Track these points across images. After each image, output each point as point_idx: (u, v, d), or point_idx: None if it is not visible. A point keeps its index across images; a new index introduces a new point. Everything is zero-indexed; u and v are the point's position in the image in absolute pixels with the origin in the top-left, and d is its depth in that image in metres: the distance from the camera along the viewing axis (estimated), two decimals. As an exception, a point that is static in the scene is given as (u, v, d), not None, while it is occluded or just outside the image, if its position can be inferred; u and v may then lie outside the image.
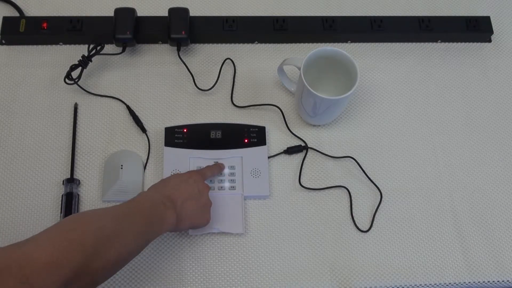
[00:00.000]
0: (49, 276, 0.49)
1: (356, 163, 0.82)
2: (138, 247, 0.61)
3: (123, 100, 0.84)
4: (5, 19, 0.87)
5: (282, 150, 0.82)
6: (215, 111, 0.85)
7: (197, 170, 0.75)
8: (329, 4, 0.95)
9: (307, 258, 0.76)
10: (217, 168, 0.78)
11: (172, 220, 0.65)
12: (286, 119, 0.85)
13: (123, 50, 0.86)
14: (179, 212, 0.66)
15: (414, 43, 0.93)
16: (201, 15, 0.90)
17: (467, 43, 0.94)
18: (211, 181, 0.78)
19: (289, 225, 0.78)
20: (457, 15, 0.94)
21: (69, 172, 0.79)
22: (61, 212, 0.75)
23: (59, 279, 0.50)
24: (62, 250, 0.51)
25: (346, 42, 0.92)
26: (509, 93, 0.90)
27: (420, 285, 0.75)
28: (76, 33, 0.86)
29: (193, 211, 0.68)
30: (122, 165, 0.78)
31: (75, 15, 0.88)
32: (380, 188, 0.81)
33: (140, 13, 0.88)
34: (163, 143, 0.80)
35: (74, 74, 0.83)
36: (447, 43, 0.94)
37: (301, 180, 0.81)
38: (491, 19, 0.93)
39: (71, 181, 0.77)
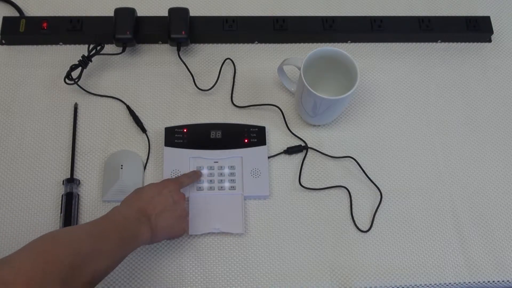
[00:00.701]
0: None
1: (356, 163, 0.82)
2: (113, 263, 0.60)
3: (123, 100, 0.84)
4: (5, 19, 0.87)
5: (282, 150, 0.82)
6: (215, 111, 0.85)
7: (173, 179, 0.74)
8: (329, 4, 0.95)
9: (307, 258, 0.76)
10: (195, 175, 0.77)
11: (147, 235, 0.64)
12: (286, 119, 0.84)
13: (123, 50, 0.86)
14: (154, 226, 0.65)
15: (414, 43, 0.93)
16: (201, 15, 0.90)
17: (467, 43, 0.94)
18: (211, 181, 0.78)
19: (289, 225, 0.78)
20: (457, 15, 0.94)
21: (69, 172, 0.79)
22: (61, 212, 0.75)
23: None
24: (39, 273, 0.50)
25: (346, 42, 0.92)
26: (509, 93, 0.90)
27: (420, 285, 0.75)
28: (76, 33, 0.86)
29: (168, 223, 0.67)
30: (122, 165, 0.78)
31: (75, 15, 0.88)
32: (380, 188, 0.81)
33: (140, 13, 0.88)
34: (163, 143, 0.80)
35: (74, 74, 0.83)
36: (447, 43, 0.94)
37: (301, 180, 0.81)
38: (491, 19, 0.93)
39: (71, 181, 0.77)
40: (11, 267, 0.50)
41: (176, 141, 0.80)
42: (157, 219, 0.66)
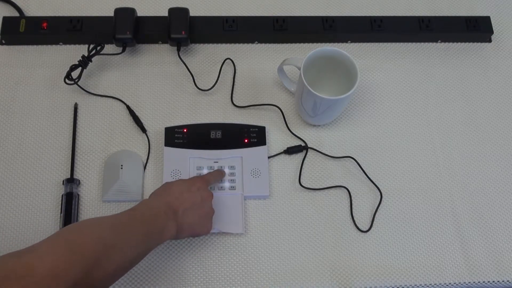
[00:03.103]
0: (48, 287, 0.49)
1: (356, 163, 0.82)
2: (137, 257, 0.61)
3: (123, 100, 0.84)
4: (5, 19, 0.87)
5: (282, 150, 0.82)
6: (215, 111, 0.85)
7: (201, 176, 0.74)
8: (329, 4, 0.95)
9: (307, 258, 0.76)
10: (220, 174, 0.77)
11: (173, 230, 0.64)
12: (286, 119, 0.85)
13: (123, 50, 0.86)
14: (180, 222, 0.65)
15: (414, 43, 0.93)
16: (201, 15, 0.90)
17: (467, 43, 0.94)
18: (211, 181, 0.79)
19: (289, 225, 0.78)
20: (457, 15, 0.94)
21: (69, 172, 0.79)
22: (61, 212, 0.75)
23: None
24: (62, 261, 0.51)
25: (346, 42, 0.92)
26: (509, 93, 0.90)
27: (420, 285, 0.75)
28: (76, 33, 0.86)
29: (194, 220, 0.67)
30: (122, 165, 0.78)
31: (75, 15, 0.88)
32: (380, 188, 0.81)
33: (140, 13, 0.88)
34: (163, 143, 0.80)
35: (74, 74, 0.83)
36: (447, 43, 0.94)
37: (301, 180, 0.81)
38: (491, 19, 0.93)
39: (71, 181, 0.77)
40: (35, 254, 0.51)
41: (176, 141, 0.80)
42: (184, 215, 0.66)
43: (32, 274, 0.48)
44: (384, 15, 0.92)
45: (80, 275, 0.51)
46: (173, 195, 0.67)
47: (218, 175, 0.77)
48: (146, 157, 0.81)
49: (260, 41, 0.91)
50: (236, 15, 0.90)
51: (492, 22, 0.93)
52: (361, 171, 0.82)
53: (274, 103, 0.85)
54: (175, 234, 0.65)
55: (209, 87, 0.86)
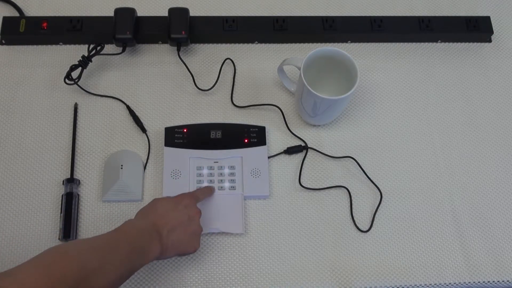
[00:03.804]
0: None
1: (356, 163, 0.82)
2: (121, 278, 0.59)
3: (123, 100, 0.84)
4: (5, 19, 0.87)
5: (282, 150, 0.82)
6: (215, 111, 0.85)
7: (189, 193, 0.73)
8: (329, 4, 0.95)
9: (307, 258, 0.76)
10: (209, 191, 0.77)
11: (157, 251, 0.63)
12: (286, 119, 0.84)
13: (123, 50, 0.86)
14: (165, 243, 0.64)
15: (414, 43, 0.93)
16: (201, 15, 0.90)
17: (467, 43, 0.94)
18: (211, 181, 0.78)
19: (289, 225, 0.78)
20: (457, 15, 0.94)
21: (69, 172, 0.79)
22: (61, 212, 0.75)
23: None
24: (41, 287, 0.49)
25: (346, 42, 0.92)
26: (509, 93, 0.90)
27: (420, 285, 0.75)
28: (76, 33, 0.86)
29: (180, 240, 0.66)
30: (122, 165, 0.78)
31: (75, 15, 0.88)
32: (380, 188, 0.81)
33: (140, 13, 0.88)
34: (163, 143, 0.80)
35: (74, 74, 0.83)
36: (447, 43, 0.94)
37: (301, 180, 0.81)
38: (491, 19, 0.93)
39: (71, 181, 0.77)
40: (14, 279, 0.49)
41: (176, 141, 0.80)
42: (169, 235, 0.65)
43: None
44: (384, 15, 0.92)
45: None
46: (158, 214, 0.66)
47: (207, 191, 0.76)
48: (146, 157, 0.81)
49: (260, 41, 0.91)
50: (236, 15, 0.90)
51: (492, 22, 0.93)
52: (361, 171, 0.82)
53: (274, 103, 0.85)
54: (160, 254, 0.64)
55: (209, 87, 0.86)
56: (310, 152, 0.83)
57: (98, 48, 0.84)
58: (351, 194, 0.80)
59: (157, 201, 0.69)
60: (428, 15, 0.93)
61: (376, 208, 0.79)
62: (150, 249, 0.62)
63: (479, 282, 0.76)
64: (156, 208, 0.67)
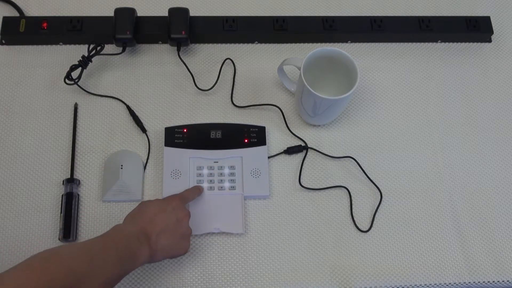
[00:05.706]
0: None
1: (356, 163, 0.82)
2: (110, 283, 0.59)
3: (123, 100, 0.84)
4: (5, 19, 0.87)
5: (282, 150, 0.82)
6: (215, 111, 0.85)
7: (177, 195, 0.73)
8: (329, 4, 0.95)
9: (307, 258, 0.76)
10: (197, 190, 0.76)
11: (145, 256, 0.63)
12: (286, 119, 0.85)
13: (123, 50, 0.86)
14: (154, 246, 0.64)
15: (414, 43, 0.93)
16: (201, 15, 0.90)
17: (467, 43, 0.94)
18: (211, 181, 0.78)
19: (289, 225, 0.78)
20: (457, 15, 0.94)
21: (69, 172, 0.79)
22: (61, 212, 0.75)
23: None
24: None
25: (346, 42, 0.92)
26: (509, 93, 0.90)
27: (420, 285, 0.75)
28: (76, 33, 0.86)
29: (169, 243, 0.66)
30: (122, 165, 0.78)
31: (75, 15, 0.88)
32: (380, 188, 0.81)
33: (140, 13, 0.88)
34: (163, 143, 0.80)
35: (74, 74, 0.83)
36: (447, 43, 0.94)
37: (301, 180, 0.81)
38: (491, 19, 0.93)
39: (71, 181, 0.77)
40: (2, 284, 0.49)
41: (176, 141, 0.80)
42: (158, 239, 0.65)
43: None
44: (384, 15, 0.92)
45: None
46: (146, 218, 0.66)
47: (195, 191, 0.76)
48: (146, 157, 0.81)
49: (260, 41, 0.91)
50: (236, 15, 0.90)
51: (492, 22, 0.93)
52: (361, 171, 0.82)
53: (274, 103, 0.85)
54: (149, 258, 0.64)
55: (209, 87, 0.86)
56: (310, 152, 0.83)
57: (98, 48, 0.84)
58: (351, 194, 0.80)
59: (145, 205, 0.68)
60: (428, 15, 0.93)
61: (376, 208, 0.80)
62: (139, 254, 0.62)
63: (479, 282, 0.76)
64: (144, 212, 0.67)
